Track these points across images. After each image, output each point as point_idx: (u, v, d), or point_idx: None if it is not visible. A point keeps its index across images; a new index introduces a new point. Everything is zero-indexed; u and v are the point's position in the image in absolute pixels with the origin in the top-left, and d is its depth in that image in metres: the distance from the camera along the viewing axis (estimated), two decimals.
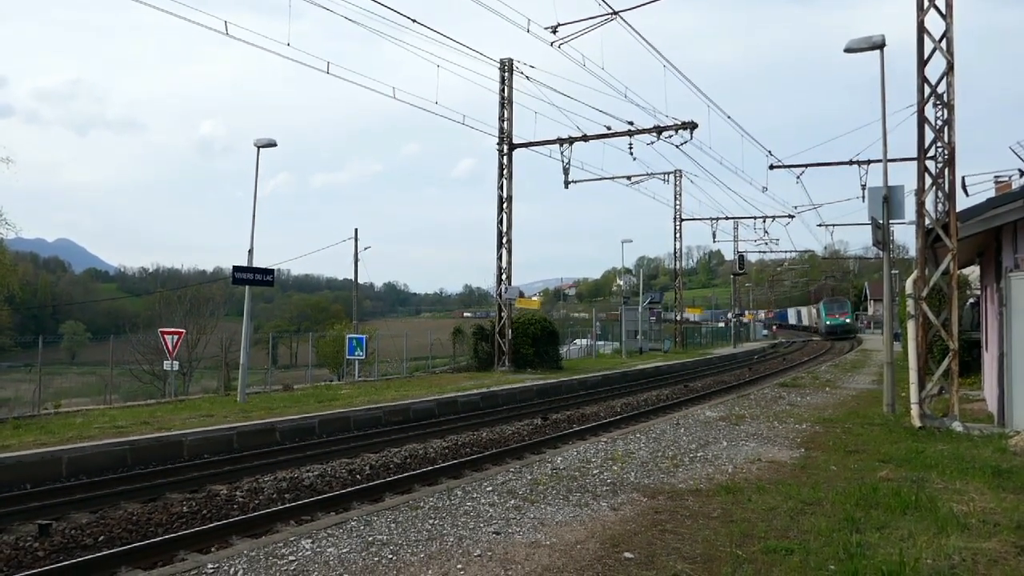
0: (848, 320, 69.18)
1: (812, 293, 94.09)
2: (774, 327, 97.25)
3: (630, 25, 18.34)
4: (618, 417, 16.56)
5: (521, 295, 30.38)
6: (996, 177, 22.30)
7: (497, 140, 27.27)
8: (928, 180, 11.94)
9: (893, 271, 17.69)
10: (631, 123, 25.16)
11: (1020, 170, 21.99)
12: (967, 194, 21.91)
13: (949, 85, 11.43)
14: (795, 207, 52.08)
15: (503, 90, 27.22)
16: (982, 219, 11.42)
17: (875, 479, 7.83)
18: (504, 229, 27.24)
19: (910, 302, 11.81)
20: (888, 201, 13.64)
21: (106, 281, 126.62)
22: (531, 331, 28.26)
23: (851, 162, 31.09)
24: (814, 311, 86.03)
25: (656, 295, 60.10)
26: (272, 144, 19.74)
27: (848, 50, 14.00)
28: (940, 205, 12.59)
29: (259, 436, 13.43)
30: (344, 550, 5.70)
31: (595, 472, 8.60)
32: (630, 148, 25.80)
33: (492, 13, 17.74)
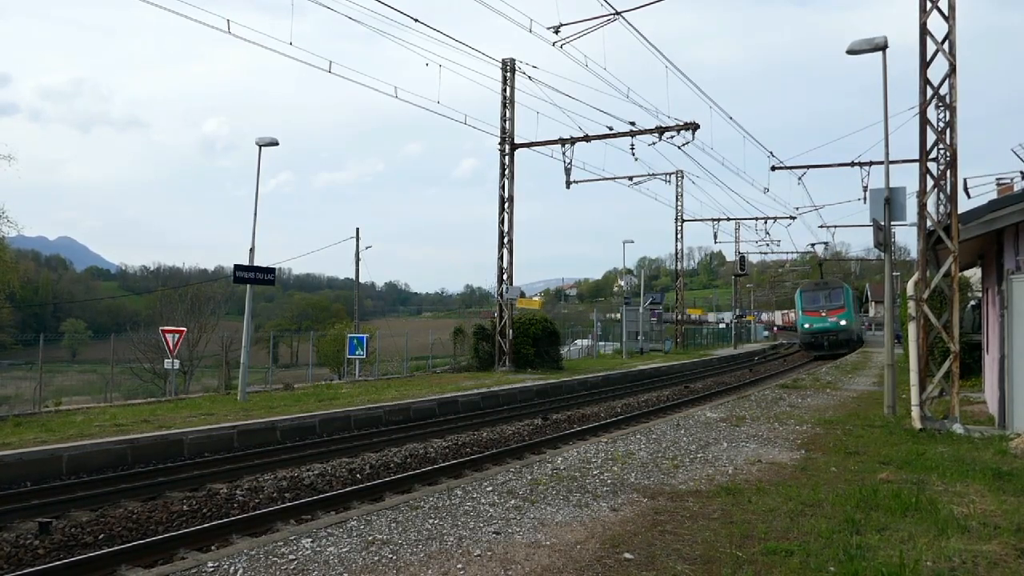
0: (845, 322, 40.79)
1: None
2: (775, 328, 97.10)
3: (632, 25, 18.37)
4: (618, 418, 16.56)
5: (522, 295, 30.40)
6: (998, 179, 22.32)
7: (499, 140, 27.28)
8: (930, 182, 11.94)
9: (894, 273, 17.68)
10: (633, 123, 25.19)
11: (1022, 172, 22.01)
12: (969, 196, 21.95)
13: (951, 87, 11.42)
14: (796, 208, 52.06)
15: (505, 90, 27.23)
16: (983, 221, 11.41)
17: (875, 481, 7.82)
18: (505, 229, 27.24)
19: (911, 304, 11.80)
20: (890, 203, 13.64)
21: (107, 279, 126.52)
22: (532, 331, 28.26)
23: (853, 164, 31.10)
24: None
25: (657, 296, 59.41)
26: (274, 143, 19.76)
27: (851, 52, 14.00)
28: (942, 207, 12.59)
29: (260, 435, 13.43)
30: (344, 549, 5.70)
31: (595, 472, 8.59)
32: (632, 149, 25.82)
33: (494, 13, 17.76)
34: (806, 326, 42.26)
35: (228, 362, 31.13)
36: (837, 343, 41.05)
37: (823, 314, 41.33)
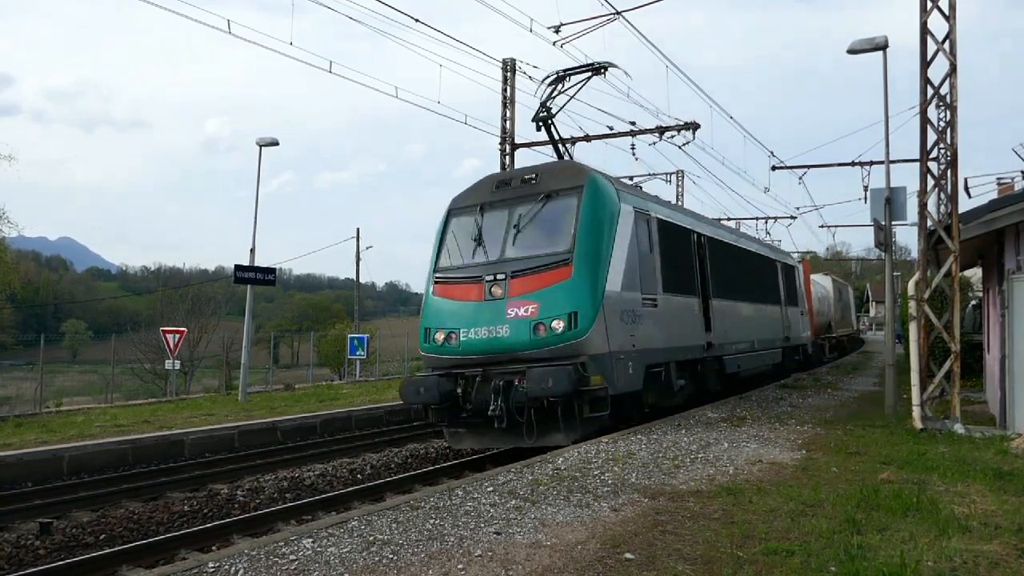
0: (561, 322, 9.82)
1: None
2: None
3: (632, 25, 18.37)
4: None
5: None
6: (999, 179, 22.32)
7: (499, 140, 27.27)
8: (930, 182, 11.93)
9: (895, 273, 17.67)
10: (633, 123, 25.11)
11: (1023, 172, 22.00)
12: (969, 196, 21.93)
13: (952, 87, 11.42)
14: (797, 208, 51.96)
15: (505, 90, 27.19)
16: (984, 221, 11.41)
17: (876, 481, 7.82)
18: None
19: (912, 304, 11.80)
20: (890, 202, 13.64)
21: (108, 280, 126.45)
22: None
23: (853, 163, 30.99)
24: None
25: None
26: (274, 143, 19.77)
27: (851, 51, 13.99)
28: (942, 207, 12.57)
29: (260, 435, 13.44)
30: (345, 549, 5.70)
31: (596, 473, 8.59)
32: (632, 148, 25.75)
33: (495, 13, 17.77)
34: (437, 336, 10.64)
35: (229, 362, 31.17)
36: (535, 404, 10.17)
37: (488, 292, 10.48)
